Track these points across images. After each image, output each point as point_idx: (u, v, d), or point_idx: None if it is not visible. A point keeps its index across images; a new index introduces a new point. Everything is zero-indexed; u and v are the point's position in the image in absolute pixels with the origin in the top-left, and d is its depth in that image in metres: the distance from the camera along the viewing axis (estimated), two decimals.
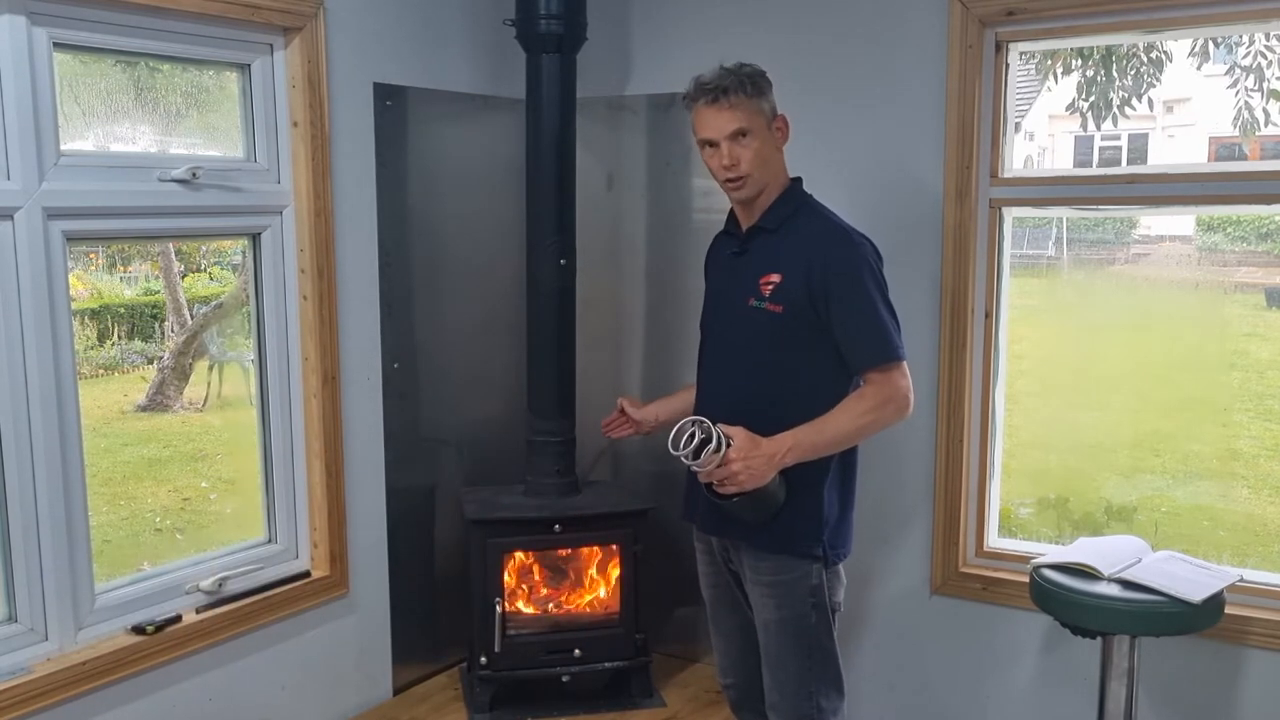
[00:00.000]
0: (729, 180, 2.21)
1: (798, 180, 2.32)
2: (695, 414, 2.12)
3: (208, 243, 3.21)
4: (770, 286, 2.20)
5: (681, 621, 3.40)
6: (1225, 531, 2.98)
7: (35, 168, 2.22)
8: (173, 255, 3.31)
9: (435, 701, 3.16)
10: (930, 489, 2.92)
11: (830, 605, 2.28)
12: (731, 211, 2.36)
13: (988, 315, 2.87)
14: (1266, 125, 2.86)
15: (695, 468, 2.09)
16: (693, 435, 2.05)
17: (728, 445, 2.06)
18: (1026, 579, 2.46)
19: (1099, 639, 2.38)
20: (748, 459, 2.06)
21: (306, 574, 2.87)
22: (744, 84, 2.17)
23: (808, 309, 2.16)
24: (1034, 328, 3.23)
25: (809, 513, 2.21)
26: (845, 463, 2.26)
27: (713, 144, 2.20)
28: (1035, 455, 3.17)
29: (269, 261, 2.76)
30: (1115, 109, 3.03)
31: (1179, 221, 3.23)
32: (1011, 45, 2.79)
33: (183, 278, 3.40)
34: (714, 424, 2.07)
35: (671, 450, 2.07)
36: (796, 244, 2.21)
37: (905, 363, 2.17)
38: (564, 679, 3.07)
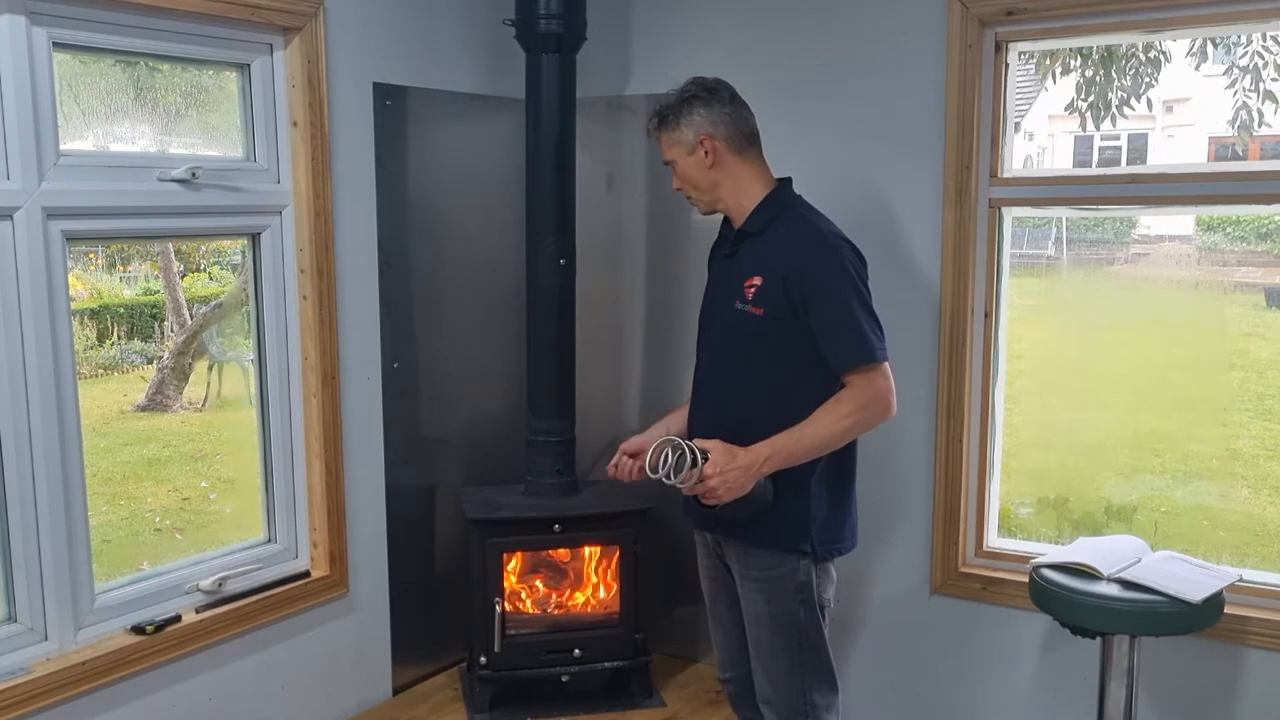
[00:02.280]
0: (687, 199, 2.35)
1: (785, 182, 2.33)
2: (690, 414, 2.15)
3: (207, 243, 3.21)
4: (753, 289, 2.22)
5: (681, 621, 3.40)
6: (1225, 531, 2.98)
7: (35, 168, 2.22)
8: (172, 255, 3.31)
9: (435, 701, 3.16)
10: (930, 489, 2.92)
11: (819, 602, 2.29)
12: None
13: (987, 315, 2.87)
14: (1261, 125, 2.86)
15: (676, 485, 2.13)
16: (666, 456, 2.10)
17: (704, 460, 2.09)
18: (1026, 579, 2.46)
19: (1099, 639, 2.38)
20: (724, 473, 2.09)
21: (306, 574, 2.87)
22: (657, 117, 2.30)
23: (786, 312, 2.18)
24: (1034, 328, 3.23)
25: (796, 509, 2.22)
26: (838, 458, 2.26)
27: None
28: (1035, 455, 3.17)
29: (268, 261, 2.76)
30: (1114, 109, 3.03)
31: (1179, 221, 3.23)
32: (1011, 45, 2.79)
33: (182, 278, 3.40)
34: (689, 440, 2.11)
35: (649, 474, 2.13)
36: (776, 247, 2.23)
37: (886, 364, 2.17)
38: (564, 679, 3.07)
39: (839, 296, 2.16)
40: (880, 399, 2.15)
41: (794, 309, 2.17)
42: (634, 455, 2.41)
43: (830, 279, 2.17)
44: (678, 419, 2.50)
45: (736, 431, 2.14)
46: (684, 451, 2.08)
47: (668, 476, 2.09)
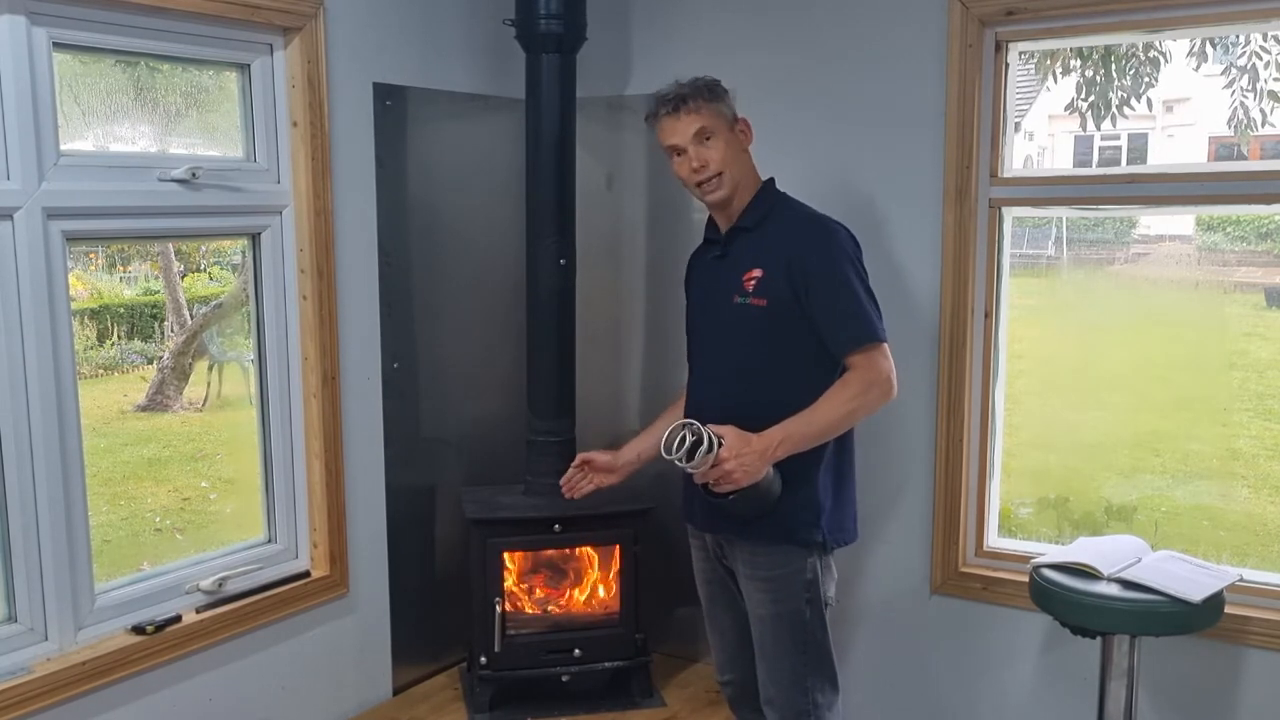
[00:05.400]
0: (702, 183, 2.26)
1: (770, 180, 2.36)
2: (689, 417, 2.14)
3: (207, 243, 3.21)
4: (753, 282, 2.24)
5: (681, 621, 3.39)
6: (1225, 531, 2.98)
7: (35, 168, 2.22)
8: (172, 255, 3.31)
9: (435, 701, 3.16)
10: (930, 488, 2.92)
11: (823, 600, 2.30)
12: (710, 220, 2.40)
13: (988, 315, 2.87)
14: (1264, 126, 2.86)
15: (689, 470, 2.10)
16: (684, 438, 2.07)
17: (719, 445, 2.07)
18: (1026, 579, 2.46)
19: (1099, 639, 2.38)
20: (740, 456, 2.07)
21: (306, 574, 2.87)
22: (701, 90, 2.25)
23: (791, 300, 2.20)
24: (1034, 327, 3.23)
25: (805, 501, 2.23)
26: (839, 448, 2.29)
27: (679, 151, 2.26)
28: (1035, 455, 3.17)
29: (269, 261, 2.76)
30: (1114, 109, 3.03)
31: (1179, 221, 3.23)
32: (1011, 45, 2.79)
33: (182, 278, 3.40)
34: (704, 425, 2.09)
35: (664, 455, 2.10)
36: (775, 238, 2.26)
37: (886, 345, 2.20)
38: (564, 679, 3.07)
39: (841, 278, 2.19)
40: (884, 379, 2.17)
41: (796, 295, 2.19)
42: (599, 469, 2.49)
43: (831, 262, 2.20)
44: (650, 440, 2.50)
45: (746, 424, 2.14)
46: (702, 435, 2.07)
47: (682, 460, 2.07)
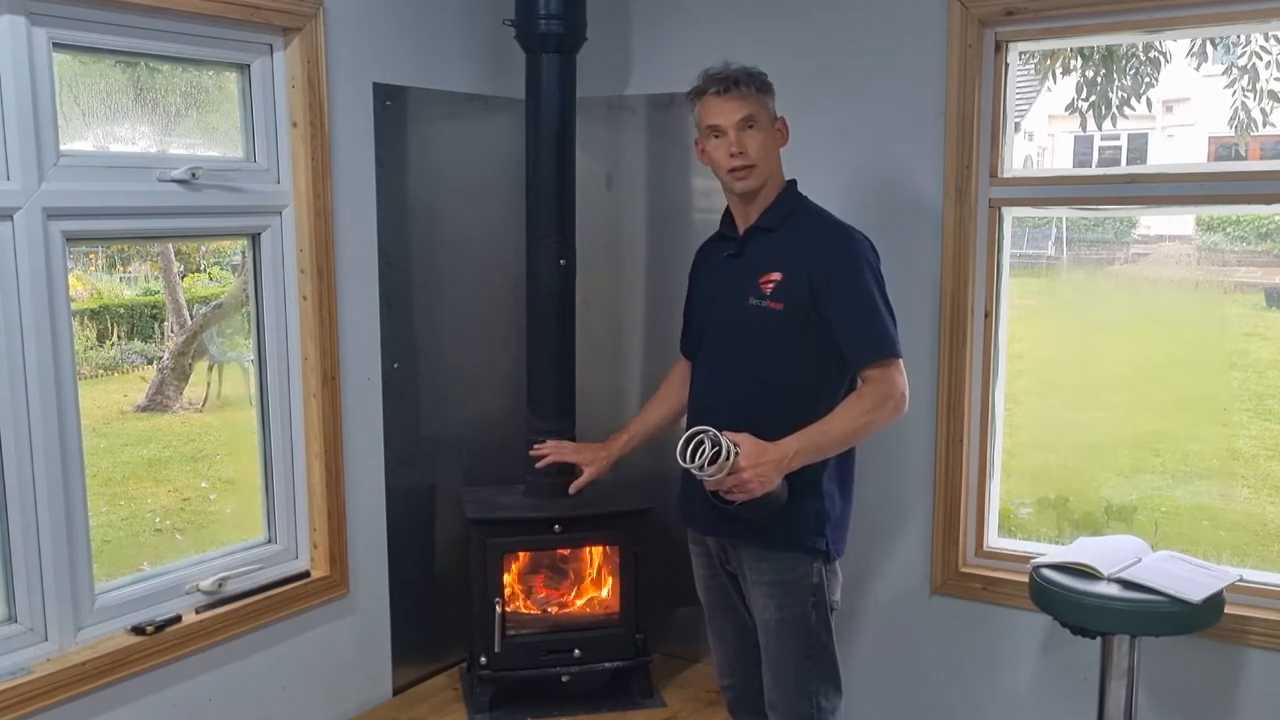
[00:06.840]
0: (735, 169, 2.22)
1: (793, 182, 2.34)
2: (693, 418, 2.12)
3: (207, 243, 3.21)
4: (771, 285, 2.21)
5: (681, 621, 3.39)
6: (1225, 531, 2.98)
7: (35, 168, 2.22)
8: (172, 255, 3.31)
9: (435, 701, 3.16)
10: (930, 489, 2.92)
11: (829, 603, 2.29)
12: (726, 215, 2.37)
13: (987, 315, 2.87)
14: (1265, 125, 2.87)
15: (705, 478, 2.07)
16: (701, 443, 2.04)
17: (736, 453, 2.05)
18: (1026, 579, 2.46)
19: (1099, 639, 2.38)
20: (757, 466, 2.05)
21: (306, 574, 2.87)
22: (753, 78, 2.23)
23: (809, 306, 2.18)
24: (1034, 327, 3.23)
25: (812, 509, 2.22)
26: (844, 458, 2.28)
27: (719, 133, 2.22)
28: (1035, 455, 3.17)
29: (268, 262, 2.76)
30: (1115, 109, 3.04)
31: (1179, 221, 3.23)
32: (1011, 45, 2.79)
33: (182, 278, 3.40)
34: (719, 431, 2.06)
35: (681, 463, 2.06)
36: (796, 242, 2.23)
37: (902, 360, 2.18)
38: (564, 679, 3.06)
39: (863, 291, 2.17)
40: (898, 395, 2.16)
41: (815, 302, 2.17)
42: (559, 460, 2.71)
43: (853, 271, 2.18)
44: (644, 423, 2.61)
45: (755, 430, 2.11)
46: (720, 443, 2.04)
47: (701, 468, 2.04)
